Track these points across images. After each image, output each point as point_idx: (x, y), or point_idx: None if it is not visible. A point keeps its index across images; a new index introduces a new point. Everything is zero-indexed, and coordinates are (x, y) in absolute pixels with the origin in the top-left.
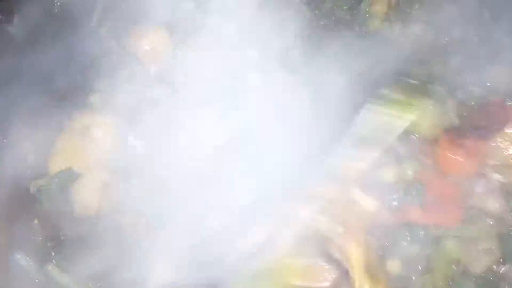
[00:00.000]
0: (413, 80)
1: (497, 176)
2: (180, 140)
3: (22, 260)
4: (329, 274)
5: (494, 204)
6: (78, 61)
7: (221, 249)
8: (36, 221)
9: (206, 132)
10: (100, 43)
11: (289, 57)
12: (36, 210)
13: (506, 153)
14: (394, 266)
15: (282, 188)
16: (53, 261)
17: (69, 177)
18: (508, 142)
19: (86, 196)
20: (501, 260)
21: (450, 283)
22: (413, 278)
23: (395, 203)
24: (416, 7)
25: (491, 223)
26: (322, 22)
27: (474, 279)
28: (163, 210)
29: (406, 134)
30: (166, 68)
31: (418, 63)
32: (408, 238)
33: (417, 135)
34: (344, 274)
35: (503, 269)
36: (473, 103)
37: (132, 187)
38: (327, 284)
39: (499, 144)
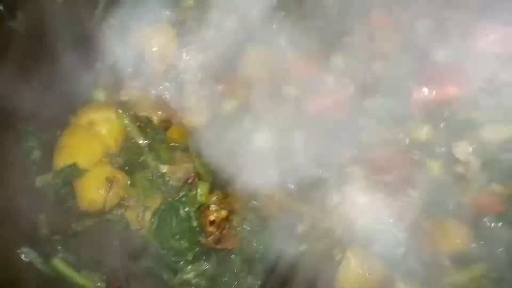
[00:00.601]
0: None
1: None
2: None
3: (29, 254)
4: None
5: None
6: (82, 57)
7: None
8: (42, 216)
9: None
10: (104, 39)
11: None
12: (42, 205)
13: None
14: None
15: None
16: (59, 254)
17: (74, 172)
18: None
19: (91, 191)
20: None
21: None
22: None
23: None
24: None
25: None
26: None
27: None
28: None
29: None
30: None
31: None
32: None
33: None
34: None
35: None
36: None
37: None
38: None
39: None
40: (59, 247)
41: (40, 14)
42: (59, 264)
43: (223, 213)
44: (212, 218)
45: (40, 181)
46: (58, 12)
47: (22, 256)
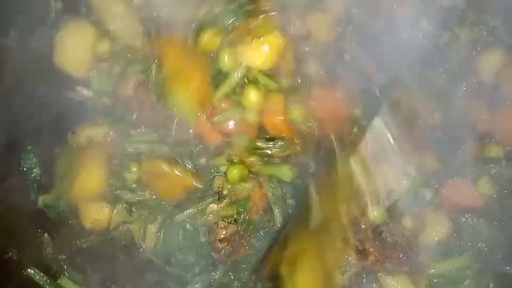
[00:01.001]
0: None
1: None
2: None
3: (35, 275)
4: None
5: None
6: None
7: None
8: (46, 235)
9: None
10: None
11: None
12: (45, 225)
13: None
14: None
15: None
16: (66, 273)
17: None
18: None
19: (95, 210)
20: None
21: None
22: None
23: None
24: None
25: None
26: None
27: None
28: None
29: None
30: None
31: None
32: None
33: None
34: None
35: None
36: None
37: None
38: None
39: None
40: (65, 266)
41: (33, 29)
42: (67, 283)
43: (232, 227)
44: (221, 236)
45: (42, 201)
46: (51, 24)
47: (29, 278)
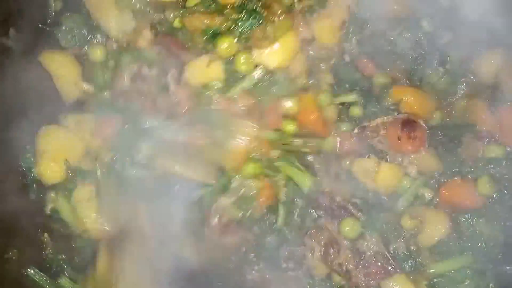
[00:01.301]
0: None
1: None
2: None
3: (35, 275)
4: None
5: None
6: None
7: None
8: (46, 235)
9: None
10: None
11: None
12: (45, 225)
13: None
14: None
15: None
16: (66, 273)
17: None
18: None
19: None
20: None
21: None
22: None
23: None
24: None
25: None
26: None
27: None
28: None
29: None
30: None
31: None
32: None
33: None
34: None
35: None
36: None
37: None
38: None
39: None
40: (65, 266)
41: (33, 29)
42: (67, 283)
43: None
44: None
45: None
46: (51, 25)
47: (29, 278)
